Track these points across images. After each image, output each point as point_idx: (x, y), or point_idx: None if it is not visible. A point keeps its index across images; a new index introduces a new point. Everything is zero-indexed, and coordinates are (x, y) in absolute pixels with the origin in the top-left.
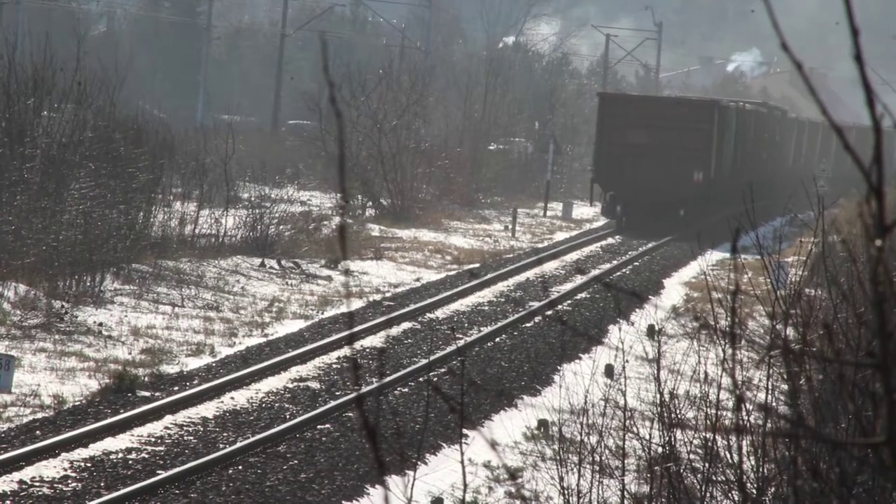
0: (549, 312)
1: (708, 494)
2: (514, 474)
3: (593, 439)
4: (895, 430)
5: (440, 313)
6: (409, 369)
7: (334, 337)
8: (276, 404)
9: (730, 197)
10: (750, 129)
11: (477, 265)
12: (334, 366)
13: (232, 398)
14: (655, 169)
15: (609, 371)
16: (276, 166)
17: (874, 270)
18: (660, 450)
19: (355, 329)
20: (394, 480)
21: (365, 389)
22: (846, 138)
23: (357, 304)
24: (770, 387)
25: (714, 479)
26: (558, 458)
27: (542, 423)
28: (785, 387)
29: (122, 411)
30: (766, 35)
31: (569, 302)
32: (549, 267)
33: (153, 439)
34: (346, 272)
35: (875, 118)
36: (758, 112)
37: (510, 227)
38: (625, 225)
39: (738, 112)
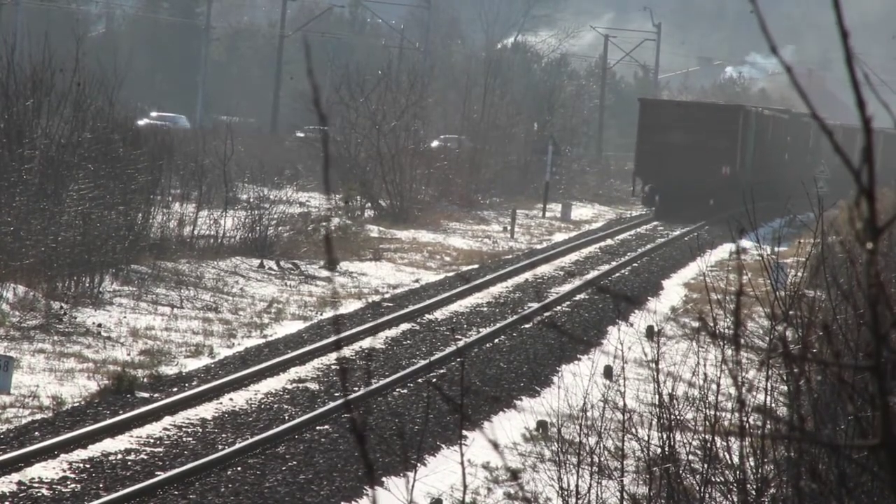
0: (547, 314)
1: (707, 496)
2: (514, 475)
3: (592, 440)
4: (890, 433)
5: (439, 314)
6: (408, 370)
7: (333, 338)
8: (275, 405)
9: (754, 190)
10: (768, 131)
11: (476, 266)
12: (333, 367)
13: (231, 399)
14: (689, 164)
15: (608, 372)
16: (275, 167)
17: (867, 272)
18: (659, 451)
19: (354, 330)
20: (393, 482)
21: (360, 392)
22: (836, 140)
23: (356, 305)
24: (769, 388)
25: (713, 480)
26: (557, 459)
27: (541, 425)
28: (784, 388)
29: (120, 412)
30: (799, 33)
31: (567, 303)
32: (548, 268)
33: (152, 440)
34: (332, 274)
35: (865, 119)
36: (776, 117)
37: (509, 228)
38: (661, 211)
39: (757, 116)
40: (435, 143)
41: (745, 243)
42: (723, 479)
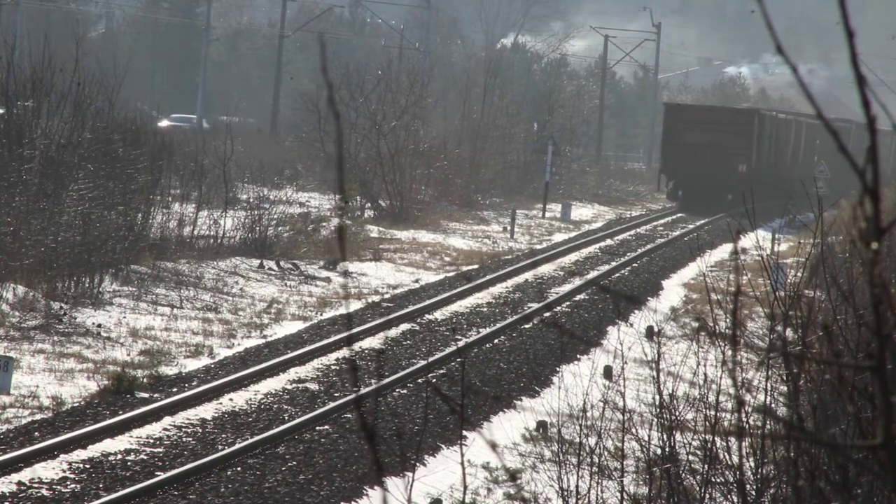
0: (547, 314)
1: (707, 496)
2: (514, 475)
3: (592, 440)
4: (892, 433)
5: (439, 315)
6: (408, 370)
7: (333, 338)
8: (275, 406)
9: (772, 186)
10: (790, 134)
11: (475, 267)
12: (333, 367)
13: (231, 399)
14: (708, 162)
15: (608, 372)
16: (275, 167)
17: (870, 273)
18: (659, 451)
19: (354, 330)
20: (393, 482)
21: (363, 391)
22: (841, 140)
23: (356, 305)
24: (769, 388)
25: (713, 480)
26: (557, 459)
27: (541, 425)
28: (784, 388)
29: (120, 413)
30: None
31: (567, 303)
32: (548, 268)
33: (152, 441)
34: (345, 274)
35: (870, 118)
36: (798, 121)
37: (509, 228)
38: (684, 205)
39: (773, 120)
40: (164, 123)
41: (745, 243)
42: (723, 480)
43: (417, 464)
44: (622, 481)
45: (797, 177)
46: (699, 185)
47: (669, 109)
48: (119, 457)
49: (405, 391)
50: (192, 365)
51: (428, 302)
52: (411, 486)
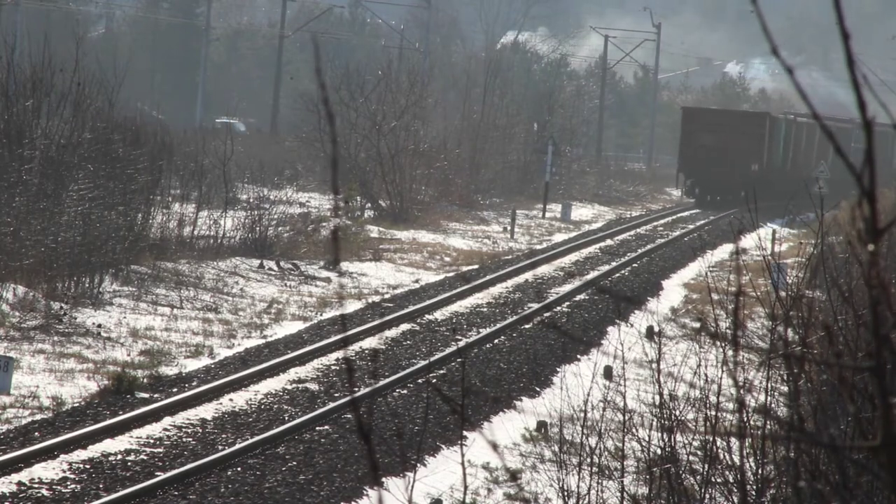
0: (547, 315)
1: (707, 496)
2: (514, 475)
3: (592, 441)
4: (891, 434)
5: (439, 315)
6: (408, 370)
7: (333, 338)
8: (275, 406)
9: (784, 184)
10: (810, 136)
11: (475, 267)
12: (333, 367)
13: (231, 400)
14: (723, 162)
15: (608, 373)
16: (275, 167)
17: (868, 274)
18: (659, 451)
19: (354, 330)
20: (394, 482)
21: (363, 391)
22: (837, 142)
23: (356, 305)
24: (770, 389)
25: (713, 480)
26: (558, 459)
27: (542, 425)
28: (785, 389)
29: (120, 413)
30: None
31: (567, 303)
32: (549, 269)
33: (152, 441)
34: (340, 274)
35: (866, 119)
36: (810, 123)
37: (509, 228)
38: (700, 201)
39: (786, 122)
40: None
41: (747, 243)
42: (723, 480)
43: (418, 464)
44: (622, 481)
45: (812, 176)
46: (714, 184)
47: (686, 113)
48: (119, 457)
49: (405, 391)
50: (192, 365)
51: (428, 302)
52: (412, 486)
